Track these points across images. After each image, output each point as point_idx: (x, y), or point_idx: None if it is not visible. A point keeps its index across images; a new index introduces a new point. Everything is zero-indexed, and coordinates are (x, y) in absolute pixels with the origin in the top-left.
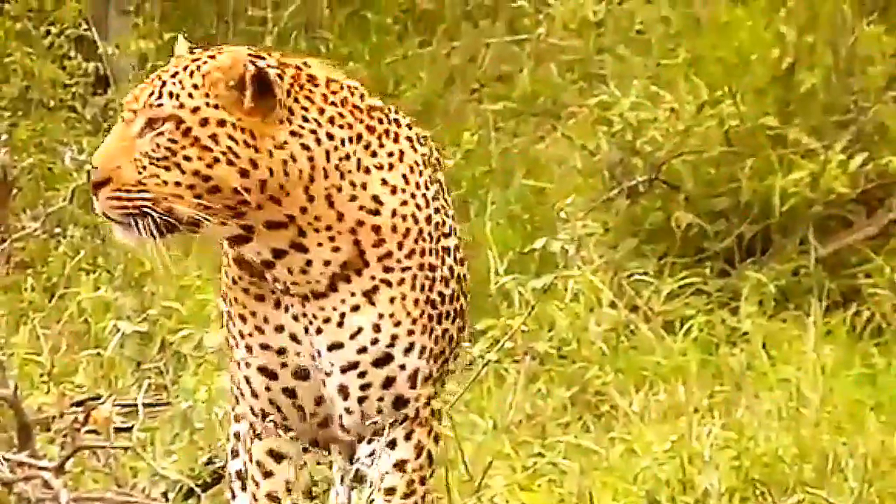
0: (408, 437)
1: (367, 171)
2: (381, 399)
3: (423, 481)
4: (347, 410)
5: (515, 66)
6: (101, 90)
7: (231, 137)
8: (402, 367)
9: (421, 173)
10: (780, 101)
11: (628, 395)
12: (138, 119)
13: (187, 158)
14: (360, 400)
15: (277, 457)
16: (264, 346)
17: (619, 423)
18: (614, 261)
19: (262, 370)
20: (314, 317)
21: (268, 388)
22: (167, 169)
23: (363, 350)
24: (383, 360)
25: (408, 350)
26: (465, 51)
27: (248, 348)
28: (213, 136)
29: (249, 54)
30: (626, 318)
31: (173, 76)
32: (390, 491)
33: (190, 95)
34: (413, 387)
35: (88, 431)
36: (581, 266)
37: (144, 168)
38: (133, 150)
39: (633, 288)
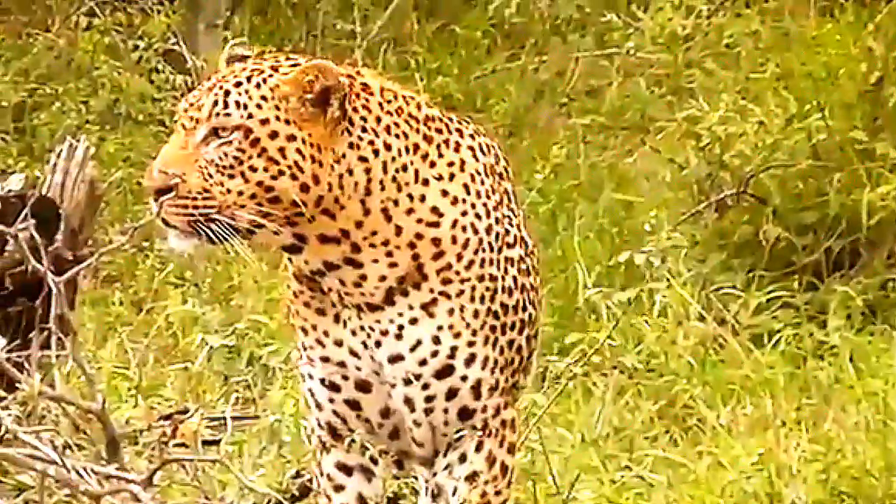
0: (478, 449)
1: (426, 182)
2: (446, 411)
3: (497, 492)
4: (416, 423)
5: (604, 81)
6: None
7: (299, 152)
8: (465, 378)
9: (482, 182)
10: (869, 115)
11: (716, 409)
12: (202, 128)
13: (253, 169)
14: (427, 412)
15: (347, 470)
16: (325, 359)
17: (707, 437)
18: (702, 274)
19: (325, 382)
20: (371, 329)
21: (331, 401)
22: (231, 177)
23: (423, 362)
24: (444, 372)
25: (469, 361)
26: (553, 65)
27: (310, 360)
28: (281, 150)
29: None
30: (714, 332)
31: (237, 86)
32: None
33: (258, 106)
34: (478, 398)
35: (176, 445)
36: (669, 279)
37: (211, 176)
38: (197, 157)
39: (721, 301)
